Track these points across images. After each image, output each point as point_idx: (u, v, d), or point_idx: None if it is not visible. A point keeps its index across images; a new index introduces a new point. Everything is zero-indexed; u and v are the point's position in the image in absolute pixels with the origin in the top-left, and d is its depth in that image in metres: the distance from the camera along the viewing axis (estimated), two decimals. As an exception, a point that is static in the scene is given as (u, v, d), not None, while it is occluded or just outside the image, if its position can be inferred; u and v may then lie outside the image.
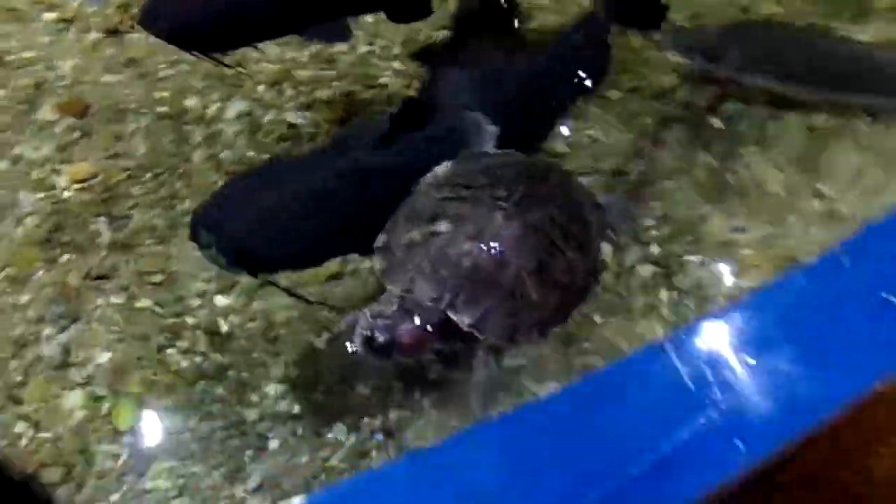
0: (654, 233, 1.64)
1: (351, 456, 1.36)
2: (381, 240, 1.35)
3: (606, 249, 1.51)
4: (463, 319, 1.26)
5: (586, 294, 1.43)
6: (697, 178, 1.71)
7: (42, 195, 1.69)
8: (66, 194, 1.70)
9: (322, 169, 1.41)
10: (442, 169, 1.46)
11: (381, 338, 1.21)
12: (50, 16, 1.94)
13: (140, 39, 1.94)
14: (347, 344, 1.25)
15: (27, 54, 1.86)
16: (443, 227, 1.32)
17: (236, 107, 1.89)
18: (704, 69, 1.83)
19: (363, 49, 2.02)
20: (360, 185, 1.40)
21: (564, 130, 1.79)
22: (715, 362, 1.37)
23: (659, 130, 1.81)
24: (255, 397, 1.41)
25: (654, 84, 1.87)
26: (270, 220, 1.31)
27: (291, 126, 1.88)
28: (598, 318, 1.54)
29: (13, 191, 1.69)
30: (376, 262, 1.33)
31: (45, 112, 1.79)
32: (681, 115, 1.83)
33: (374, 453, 1.36)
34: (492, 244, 1.29)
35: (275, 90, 1.93)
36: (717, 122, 1.80)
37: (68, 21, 1.94)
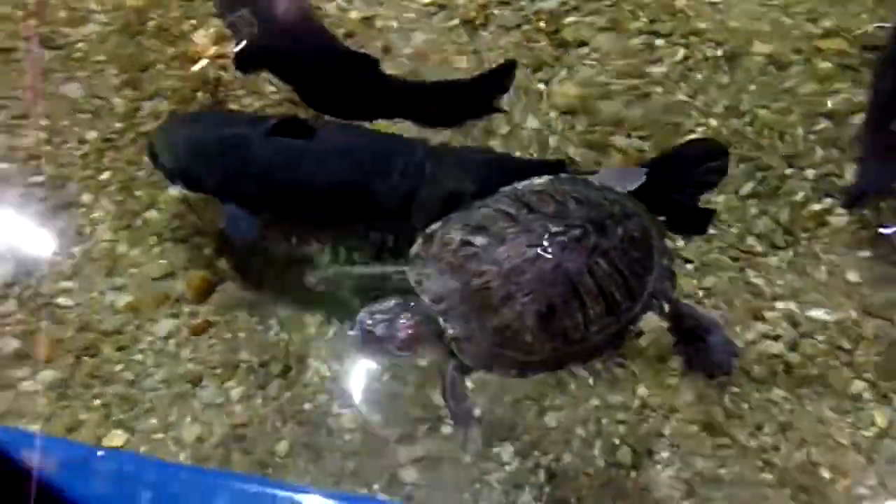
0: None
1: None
2: (432, 227, 1.40)
3: (650, 319, 1.43)
4: (449, 330, 1.29)
5: (598, 354, 1.39)
6: None
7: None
8: None
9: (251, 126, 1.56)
10: (530, 182, 1.46)
11: (377, 331, 1.27)
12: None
13: (488, 37, 2.08)
14: (350, 333, 1.32)
15: (393, 24, 2.11)
16: (479, 240, 1.32)
17: (532, 122, 1.89)
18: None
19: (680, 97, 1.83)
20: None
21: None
22: None
23: None
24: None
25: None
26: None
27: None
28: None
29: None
30: (415, 245, 1.39)
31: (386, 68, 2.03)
32: None
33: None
34: (510, 275, 1.27)
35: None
36: None
37: (440, 6, 2.14)
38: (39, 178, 1.87)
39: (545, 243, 1.29)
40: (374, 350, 1.33)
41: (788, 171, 1.85)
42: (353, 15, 2.12)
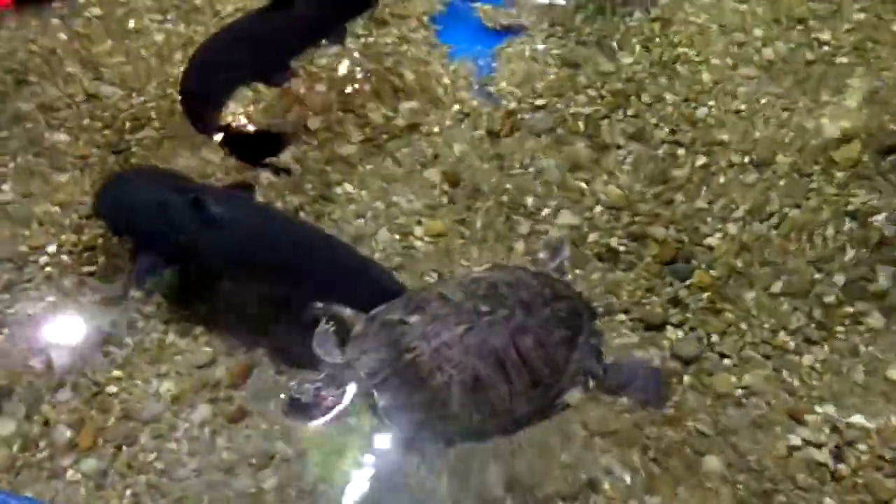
0: None
1: None
2: (378, 310, 1.54)
3: (574, 394, 1.51)
4: (380, 400, 1.41)
5: (524, 425, 1.47)
6: None
7: (398, 237, 2.03)
8: (416, 243, 2.02)
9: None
10: (471, 271, 1.66)
11: (303, 400, 1.43)
12: (456, 107, 2.34)
13: (510, 144, 2.21)
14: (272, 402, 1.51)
15: (435, 129, 2.27)
16: (413, 318, 1.45)
17: (566, 217, 1.97)
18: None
19: (700, 203, 1.89)
20: None
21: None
22: None
23: None
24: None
25: None
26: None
27: (611, 250, 1.86)
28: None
29: (377, 227, 2.09)
30: (357, 325, 1.53)
31: (432, 174, 2.16)
32: None
33: None
34: (440, 349, 1.40)
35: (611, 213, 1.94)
36: None
37: (466, 115, 2.31)
38: (92, 269, 1.97)
39: (473, 321, 1.43)
40: (299, 417, 1.48)
41: (818, 275, 1.86)
42: (400, 122, 2.28)
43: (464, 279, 1.60)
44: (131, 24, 2.62)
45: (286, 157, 2.17)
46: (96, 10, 2.62)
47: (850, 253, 1.90)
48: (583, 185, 2.11)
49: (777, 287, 1.85)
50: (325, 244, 1.80)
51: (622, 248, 1.95)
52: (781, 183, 2.06)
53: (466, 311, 1.46)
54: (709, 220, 2.01)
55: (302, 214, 2.05)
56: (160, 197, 1.76)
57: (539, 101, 2.34)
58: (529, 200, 2.08)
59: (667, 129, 2.24)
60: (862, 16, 2.56)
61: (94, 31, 2.58)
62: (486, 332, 1.42)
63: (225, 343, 1.82)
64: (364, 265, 1.78)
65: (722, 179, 2.10)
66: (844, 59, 2.40)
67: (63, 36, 2.53)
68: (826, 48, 2.45)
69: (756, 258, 1.92)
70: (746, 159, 2.14)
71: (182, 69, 2.20)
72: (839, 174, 2.07)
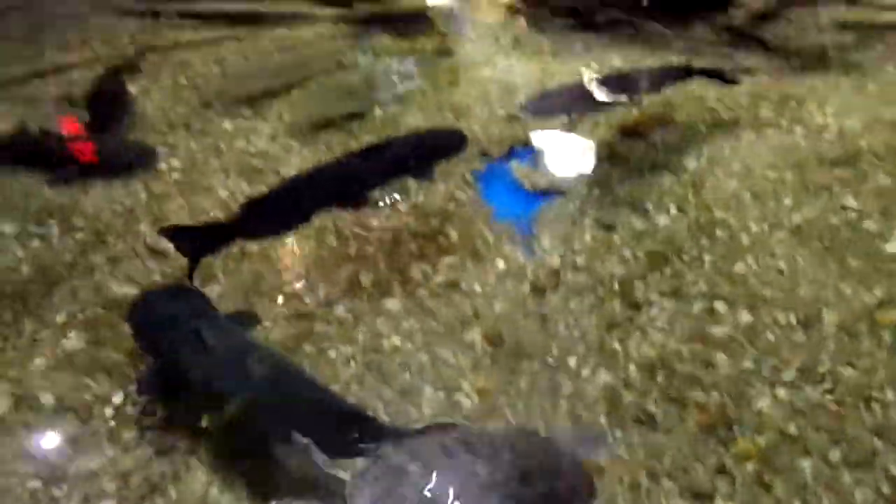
0: None
1: None
2: (380, 450, 1.55)
3: None
4: None
5: None
6: None
7: (442, 394, 2.04)
8: (463, 400, 2.02)
9: None
10: (482, 427, 1.72)
11: None
12: (500, 263, 2.43)
13: (555, 300, 2.25)
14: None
15: (476, 288, 2.35)
16: (412, 467, 1.47)
17: (603, 376, 1.97)
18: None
19: (746, 364, 1.88)
20: None
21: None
22: None
23: None
24: None
25: None
26: None
27: (649, 415, 1.85)
28: None
29: (421, 381, 2.12)
30: (361, 463, 1.55)
31: (473, 334, 2.21)
32: None
33: None
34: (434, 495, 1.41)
35: (646, 373, 1.94)
36: None
37: (510, 273, 2.40)
38: (152, 420, 2.01)
39: (468, 480, 1.44)
40: None
41: (878, 443, 1.79)
42: (439, 279, 2.37)
43: (470, 432, 1.63)
44: (201, 183, 2.87)
45: (339, 310, 2.26)
46: (176, 175, 2.90)
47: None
48: (617, 344, 2.11)
49: (835, 456, 1.78)
50: (302, 382, 1.89)
51: (659, 412, 1.91)
52: (831, 344, 2.04)
53: (465, 469, 1.48)
54: (756, 382, 1.97)
55: (352, 364, 2.09)
56: (169, 322, 1.95)
57: (578, 261, 2.43)
58: (572, 360, 2.09)
59: (704, 286, 2.27)
60: (888, 181, 2.67)
61: (167, 190, 2.83)
62: (478, 495, 1.44)
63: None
64: (334, 403, 1.85)
65: (771, 337, 2.09)
66: (872, 225, 2.46)
67: (143, 196, 2.78)
68: (852, 214, 2.53)
69: (810, 423, 1.86)
70: (792, 317, 2.14)
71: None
72: (887, 336, 2.05)
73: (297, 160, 3.02)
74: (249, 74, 3.93)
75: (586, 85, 3.53)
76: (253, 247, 2.49)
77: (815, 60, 4.16)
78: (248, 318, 2.14)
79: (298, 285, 2.35)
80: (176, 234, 2.35)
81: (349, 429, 1.73)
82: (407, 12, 5.75)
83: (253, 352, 1.91)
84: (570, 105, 3.33)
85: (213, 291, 2.30)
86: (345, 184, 2.65)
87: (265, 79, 3.83)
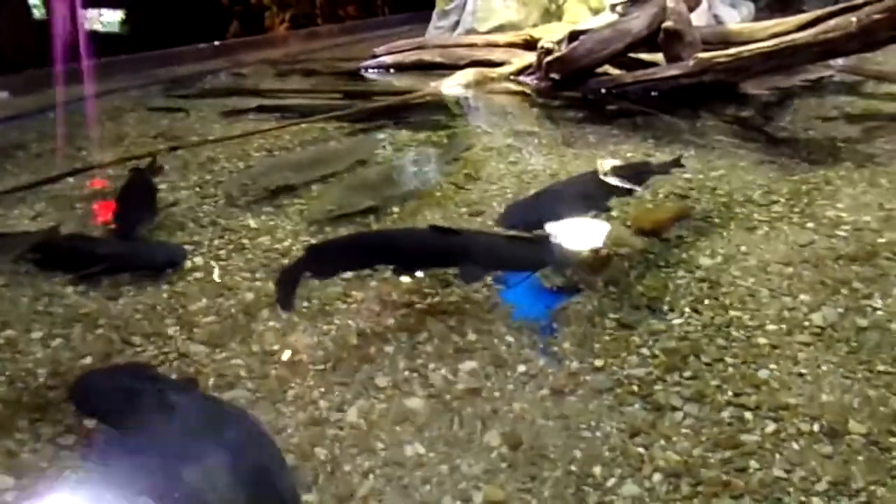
0: None
1: None
2: None
3: None
4: None
5: None
6: None
7: (458, 504, 2.02)
8: None
9: None
10: None
11: None
12: (522, 368, 2.41)
13: (575, 402, 2.24)
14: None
15: (496, 392, 2.34)
16: None
17: (629, 489, 1.92)
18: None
19: (778, 472, 1.82)
20: None
21: None
22: None
23: None
24: None
25: None
26: None
27: None
28: None
29: (440, 495, 2.08)
30: None
31: (492, 436, 2.18)
32: None
33: None
34: None
35: (670, 483, 1.89)
36: None
37: (533, 376, 2.37)
38: None
39: None
40: None
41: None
42: (461, 386, 2.36)
43: None
44: (224, 281, 2.93)
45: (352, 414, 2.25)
46: (198, 274, 2.96)
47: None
48: (641, 450, 2.07)
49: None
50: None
51: (687, 519, 1.85)
52: (860, 457, 1.99)
53: None
54: (790, 490, 1.90)
55: (371, 476, 2.06)
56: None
57: (597, 362, 2.42)
58: (598, 469, 2.04)
59: (730, 392, 2.24)
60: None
61: (190, 289, 2.88)
62: None
63: None
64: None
65: (796, 446, 2.04)
66: (897, 327, 2.45)
67: (164, 295, 2.83)
68: (879, 313, 2.52)
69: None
70: (816, 427, 2.09)
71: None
72: (919, 448, 1.99)
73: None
74: (273, 170, 4.07)
75: (593, 180, 3.52)
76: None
77: (825, 153, 4.24)
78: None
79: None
80: None
81: None
82: (425, 101, 5.99)
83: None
84: (550, 212, 3.13)
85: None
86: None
87: (288, 174, 3.96)
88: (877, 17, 4.03)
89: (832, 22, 4.27)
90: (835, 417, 2.10)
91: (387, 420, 2.21)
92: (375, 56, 7.83)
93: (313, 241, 3.22)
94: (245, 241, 3.25)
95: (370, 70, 7.69)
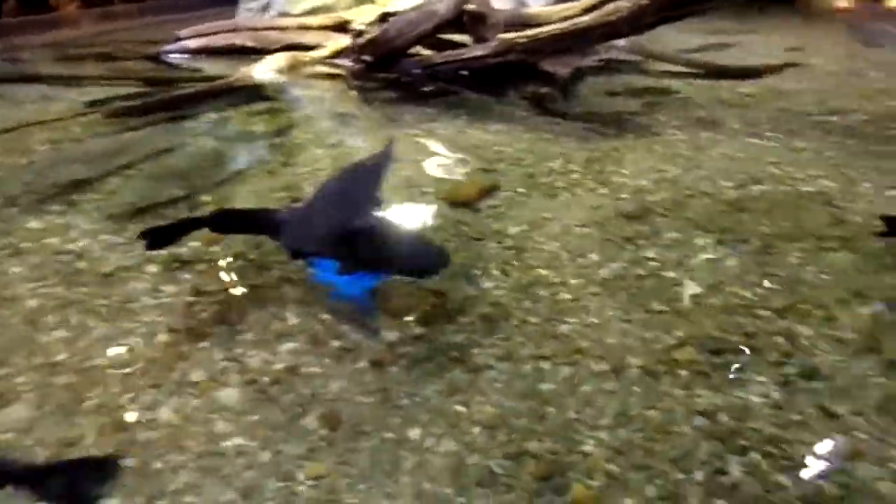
0: None
1: None
2: None
3: None
4: None
5: None
6: None
7: (282, 484, 1.99)
8: (299, 488, 1.98)
9: None
10: None
11: None
12: (335, 343, 2.44)
13: (397, 372, 2.30)
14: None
15: (315, 370, 2.34)
16: None
17: (448, 445, 2.03)
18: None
19: (571, 414, 2.02)
20: None
21: None
22: None
23: None
24: None
25: None
26: None
27: (491, 472, 1.91)
28: None
29: (264, 478, 2.04)
30: None
31: (311, 420, 2.18)
32: None
33: None
34: None
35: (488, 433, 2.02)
36: None
37: (348, 350, 2.41)
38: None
39: None
40: None
41: (680, 475, 1.99)
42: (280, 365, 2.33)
43: None
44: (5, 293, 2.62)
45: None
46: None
47: (704, 447, 2.05)
48: (461, 408, 2.19)
49: (651, 492, 1.95)
50: None
51: (500, 471, 1.99)
52: (636, 388, 2.26)
53: None
54: (581, 429, 2.11)
55: (183, 471, 1.97)
56: None
57: (418, 331, 2.51)
58: (415, 432, 2.12)
59: (532, 346, 2.43)
60: (677, 234, 3.06)
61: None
62: None
63: None
64: None
65: (587, 388, 2.26)
66: (671, 274, 2.80)
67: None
68: (653, 264, 2.86)
69: (629, 462, 2.02)
70: (603, 366, 2.34)
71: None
72: (683, 373, 2.30)
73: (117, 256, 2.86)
74: (61, 163, 3.70)
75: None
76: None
77: (613, 125, 4.70)
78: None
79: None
80: None
81: None
82: (235, 87, 5.73)
83: None
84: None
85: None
86: None
87: (78, 167, 3.62)
88: (644, 2, 4.50)
89: (611, 6, 4.71)
90: (617, 356, 2.37)
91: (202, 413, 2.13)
92: (179, 39, 7.33)
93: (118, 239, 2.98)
94: (26, 244, 2.93)
95: (173, 55, 7.19)
